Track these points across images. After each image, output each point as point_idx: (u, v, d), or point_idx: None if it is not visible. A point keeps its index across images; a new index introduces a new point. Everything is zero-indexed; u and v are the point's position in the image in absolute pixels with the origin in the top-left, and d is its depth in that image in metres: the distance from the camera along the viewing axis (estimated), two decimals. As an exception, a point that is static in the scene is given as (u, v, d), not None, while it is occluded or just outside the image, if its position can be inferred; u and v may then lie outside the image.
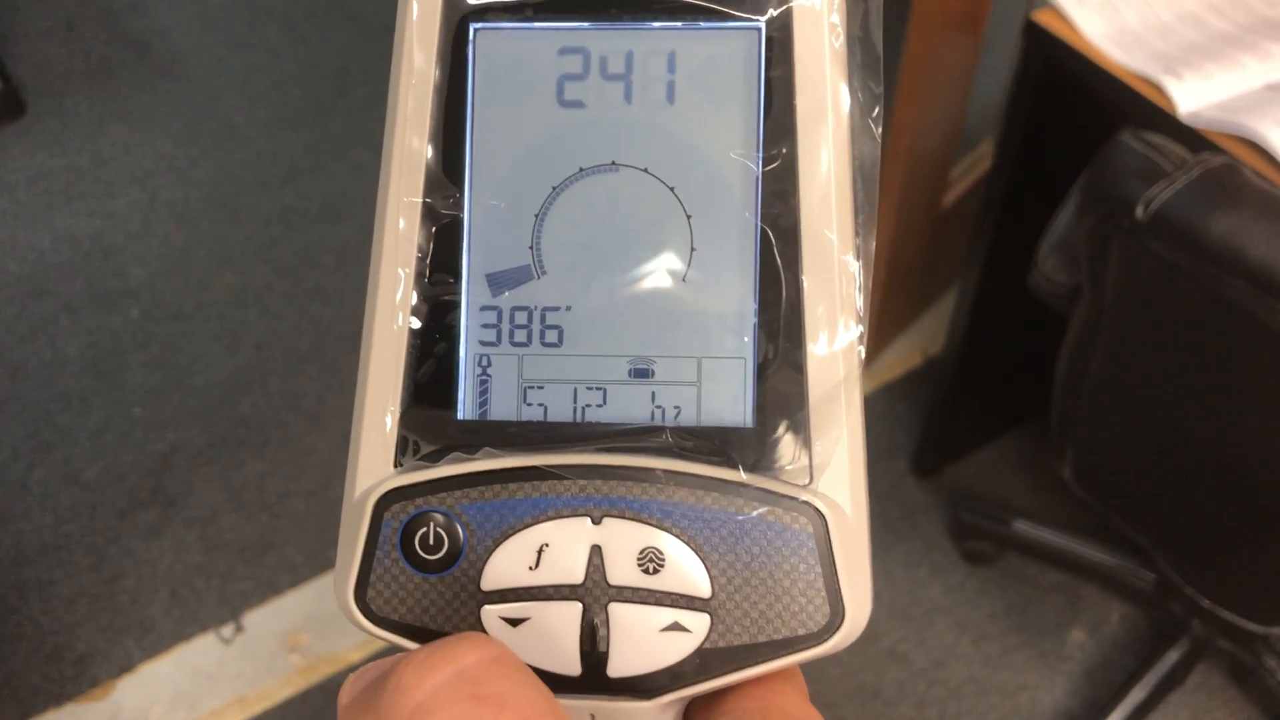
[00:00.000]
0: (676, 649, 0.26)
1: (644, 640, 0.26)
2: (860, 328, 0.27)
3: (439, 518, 0.26)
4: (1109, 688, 1.33)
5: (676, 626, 0.26)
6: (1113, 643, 1.38)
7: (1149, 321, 0.95)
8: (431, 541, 0.26)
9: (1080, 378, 1.04)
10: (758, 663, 0.26)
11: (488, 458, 0.27)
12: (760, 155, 0.28)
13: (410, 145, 0.28)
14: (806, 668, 0.27)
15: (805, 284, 0.27)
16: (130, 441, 1.58)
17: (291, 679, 1.36)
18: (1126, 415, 1.07)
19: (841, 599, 0.26)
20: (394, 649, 0.26)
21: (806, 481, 0.26)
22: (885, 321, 1.62)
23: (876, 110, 0.28)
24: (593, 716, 0.27)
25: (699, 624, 0.26)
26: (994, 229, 1.24)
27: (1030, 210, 1.11)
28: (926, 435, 1.53)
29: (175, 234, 1.85)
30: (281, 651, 1.39)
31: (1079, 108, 1.08)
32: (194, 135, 2.00)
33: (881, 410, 1.61)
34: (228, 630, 1.40)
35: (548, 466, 0.26)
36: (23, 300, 1.76)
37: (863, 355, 0.27)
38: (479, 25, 0.28)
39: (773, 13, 0.28)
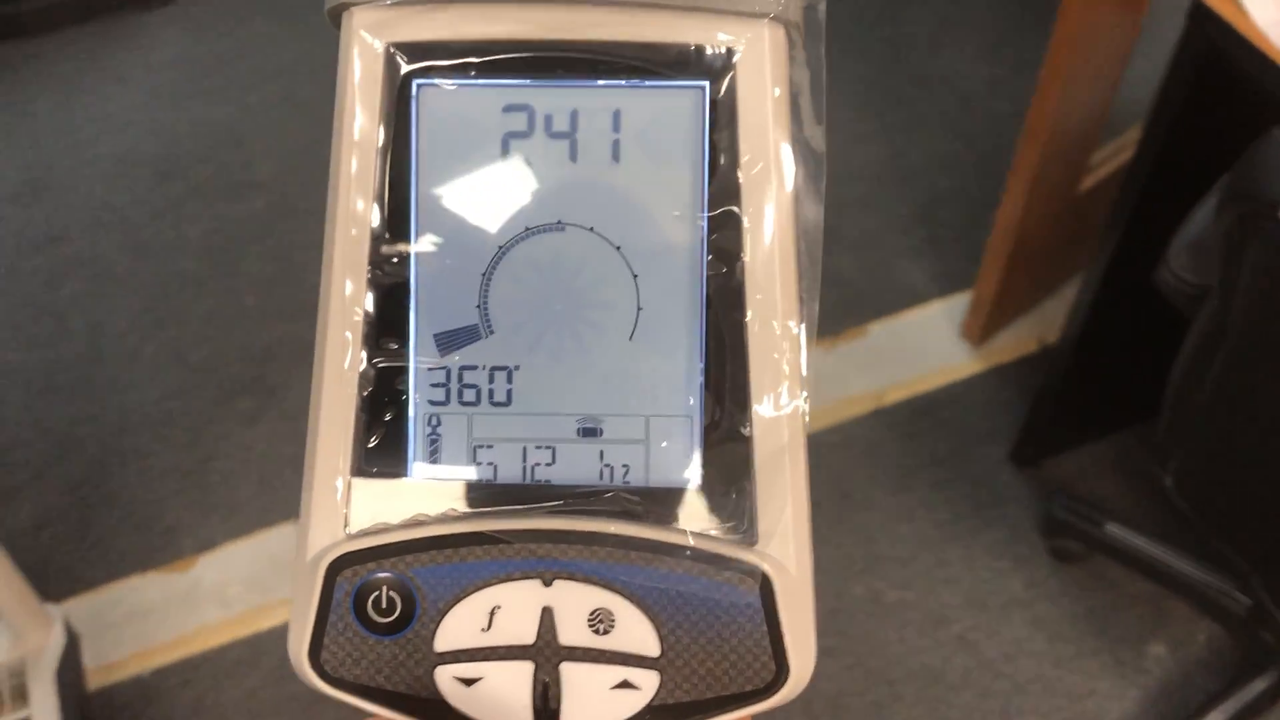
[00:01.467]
0: (626, 706, 0.27)
1: (595, 698, 0.27)
2: (804, 391, 0.28)
3: (391, 581, 0.27)
4: (1184, 708, 1.28)
5: (626, 684, 0.27)
6: (1195, 662, 1.33)
7: (1278, 333, 0.89)
8: (384, 604, 0.27)
9: (1196, 385, 0.99)
10: (704, 718, 0.27)
11: (439, 523, 0.27)
12: (705, 216, 0.28)
13: (354, 206, 0.28)
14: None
15: (750, 346, 0.27)
16: (239, 328, 1.62)
17: (363, 579, 1.38)
18: (1240, 430, 1.01)
19: (786, 656, 0.27)
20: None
21: (753, 542, 0.27)
22: (1005, 302, 1.56)
23: (821, 173, 0.28)
24: None
25: (648, 682, 0.27)
26: (1128, 219, 1.19)
27: (1168, 202, 1.06)
28: (1030, 424, 1.47)
29: (304, 131, 1.87)
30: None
31: (1236, 99, 1.02)
32: (334, 35, 2.01)
33: (988, 393, 1.56)
34: (309, 523, 1.43)
35: (498, 532, 0.27)
36: (154, 180, 1.80)
37: (807, 417, 0.28)
38: (422, 83, 0.28)
39: (717, 74, 0.28)
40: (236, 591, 1.38)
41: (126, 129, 1.88)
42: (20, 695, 1.22)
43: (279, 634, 1.33)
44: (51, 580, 1.37)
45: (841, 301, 1.65)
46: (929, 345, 1.61)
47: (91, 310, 1.64)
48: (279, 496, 1.45)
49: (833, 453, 1.49)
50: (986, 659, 1.33)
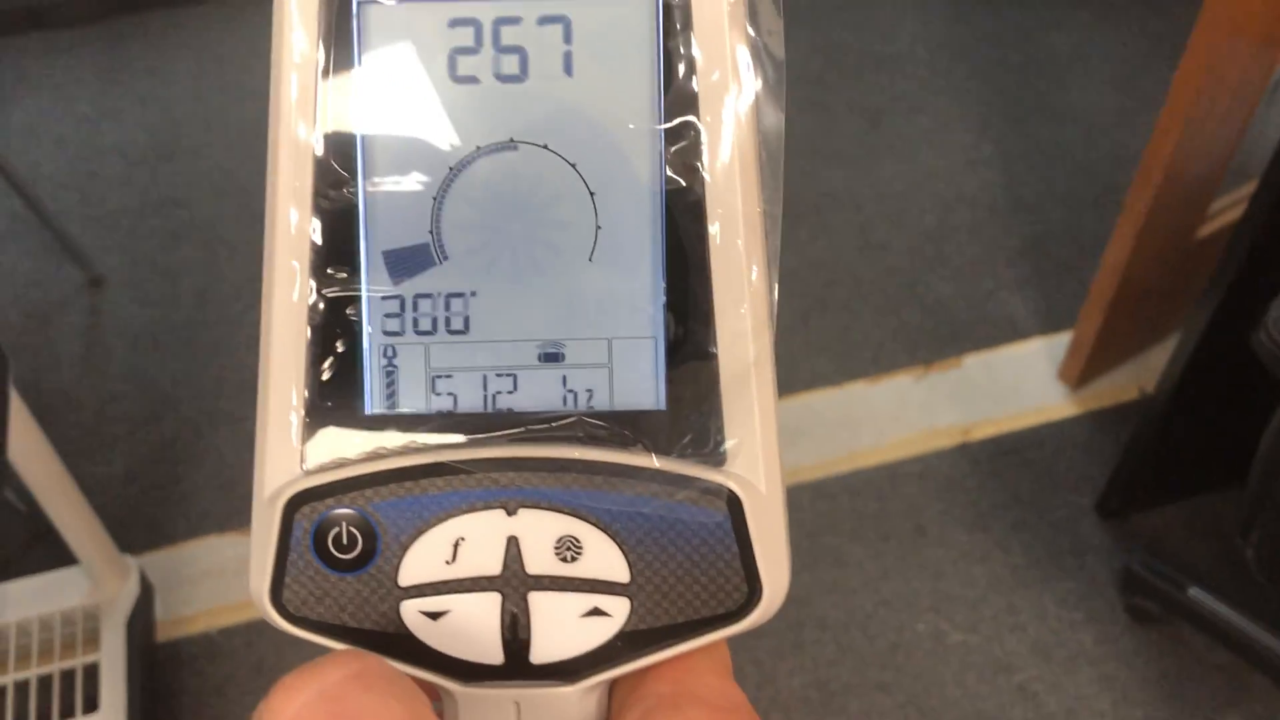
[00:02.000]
0: (597, 633, 0.26)
1: (565, 626, 0.26)
2: (771, 306, 0.27)
3: (351, 516, 0.26)
4: (1253, 788, 1.22)
5: (596, 611, 0.26)
6: (1270, 742, 1.27)
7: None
8: (345, 541, 0.26)
9: (1285, 456, 0.94)
10: (678, 642, 0.26)
11: (398, 455, 0.26)
12: (662, 128, 0.27)
13: (296, 131, 0.26)
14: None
15: (713, 261, 0.26)
16: (338, 304, 1.65)
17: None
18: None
19: (759, 576, 0.26)
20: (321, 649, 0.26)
21: (720, 462, 0.26)
22: (1107, 346, 1.51)
23: (781, 78, 0.27)
24: (518, 704, 0.27)
25: (619, 608, 0.26)
26: (1235, 273, 1.13)
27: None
28: (1119, 475, 1.42)
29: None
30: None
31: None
32: None
33: (1080, 438, 1.51)
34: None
35: (460, 462, 0.26)
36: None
37: (773, 333, 0.27)
38: (363, 0, 0.27)
39: None
40: (307, 561, 1.41)
41: (254, 100, 1.93)
42: (93, 640, 1.28)
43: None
44: (136, 531, 1.43)
45: (937, 330, 1.62)
46: (1024, 383, 1.57)
47: (202, 274, 1.70)
48: (357, 472, 1.48)
49: (911, 484, 1.46)
50: (1047, 712, 1.29)
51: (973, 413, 1.53)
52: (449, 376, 0.27)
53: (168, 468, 1.49)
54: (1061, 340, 1.58)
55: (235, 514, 1.45)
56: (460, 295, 0.27)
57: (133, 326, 1.65)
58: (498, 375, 0.27)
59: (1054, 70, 1.98)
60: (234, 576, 1.40)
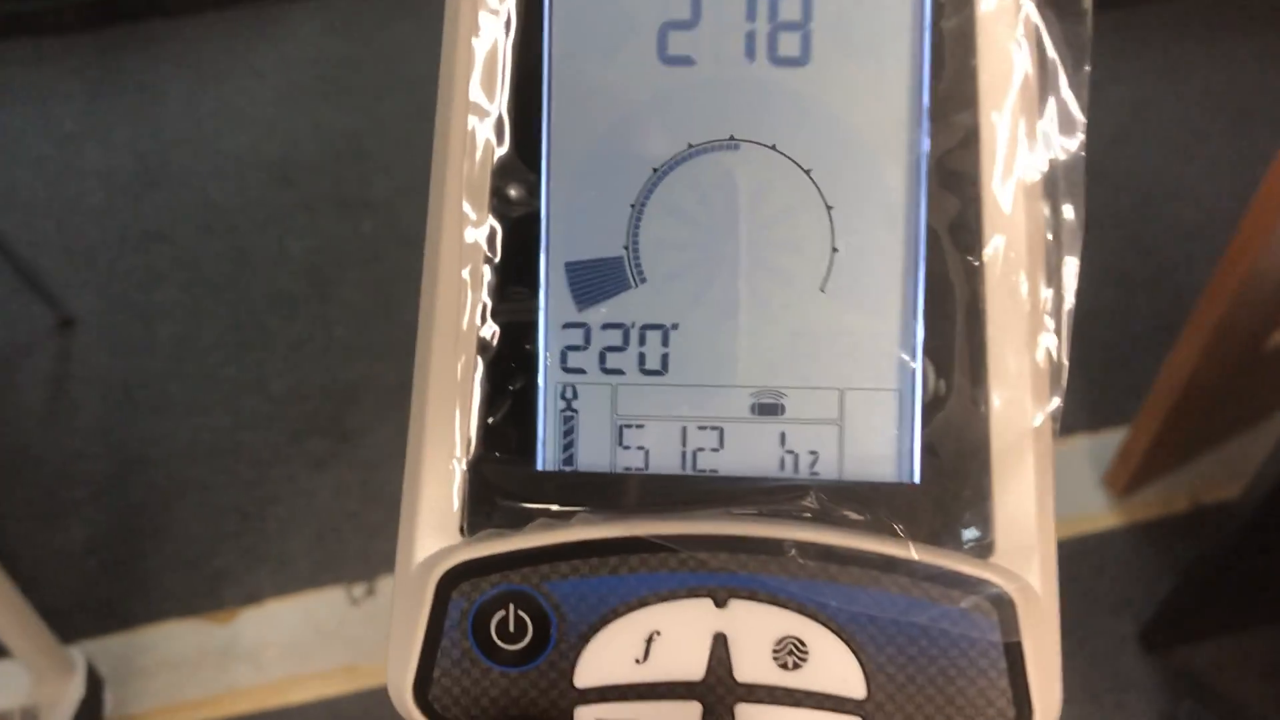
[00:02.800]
0: None
1: None
2: (1061, 359, 0.22)
3: (521, 598, 0.22)
4: None
5: None
6: None
7: None
8: (512, 628, 0.22)
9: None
10: None
11: (582, 524, 0.22)
12: (927, 131, 0.22)
13: (471, 120, 0.22)
14: None
15: (988, 299, 0.22)
16: (324, 362, 1.53)
17: (406, 663, 1.29)
18: None
19: (1030, 698, 0.22)
20: None
21: (988, 555, 0.22)
22: (1158, 450, 1.38)
23: (1084, 84, 0.22)
24: None
25: None
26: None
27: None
28: (1170, 600, 1.29)
29: (430, 150, 1.78)
30: (404, 630, 1.32)
31: None
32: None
33: (1124, 554, 1.38)
34: (359, 590, 1.34)
35: (658, 538, 0.22)
36: (267, 186, 1.73)
37: (1061, 402, 0.22)
38: None
39: None
40: (273, 655, 1.30)
41: (250, 127, 1.82)
42: (31, 743, 1.16)
43: (311, 711, 1.25)
44: (89, 611, 1.32)
45: (972, 421, 1.49)
46: (1065, 486, 1.43)
47: (182, 320, 1.58)
48: (332, 556, 1.36)
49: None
50: None
51: (1008, 518, 1.40)
52: (640, 427, 0.23)
53: (130, 541, 1.38)
54: (1106, 440, 1.45)
55: (199, 596, 1.34)
56: (659, 327, 0.23)
57: (104, 376, 1.53)
58: (700, 428, 0.23)
59: (1111, 129, 1.84)
60: (192, 669, 1.28)
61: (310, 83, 1.88)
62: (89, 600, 1.33)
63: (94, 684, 1.22)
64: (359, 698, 1.26)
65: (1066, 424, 1.47)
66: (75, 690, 1.19)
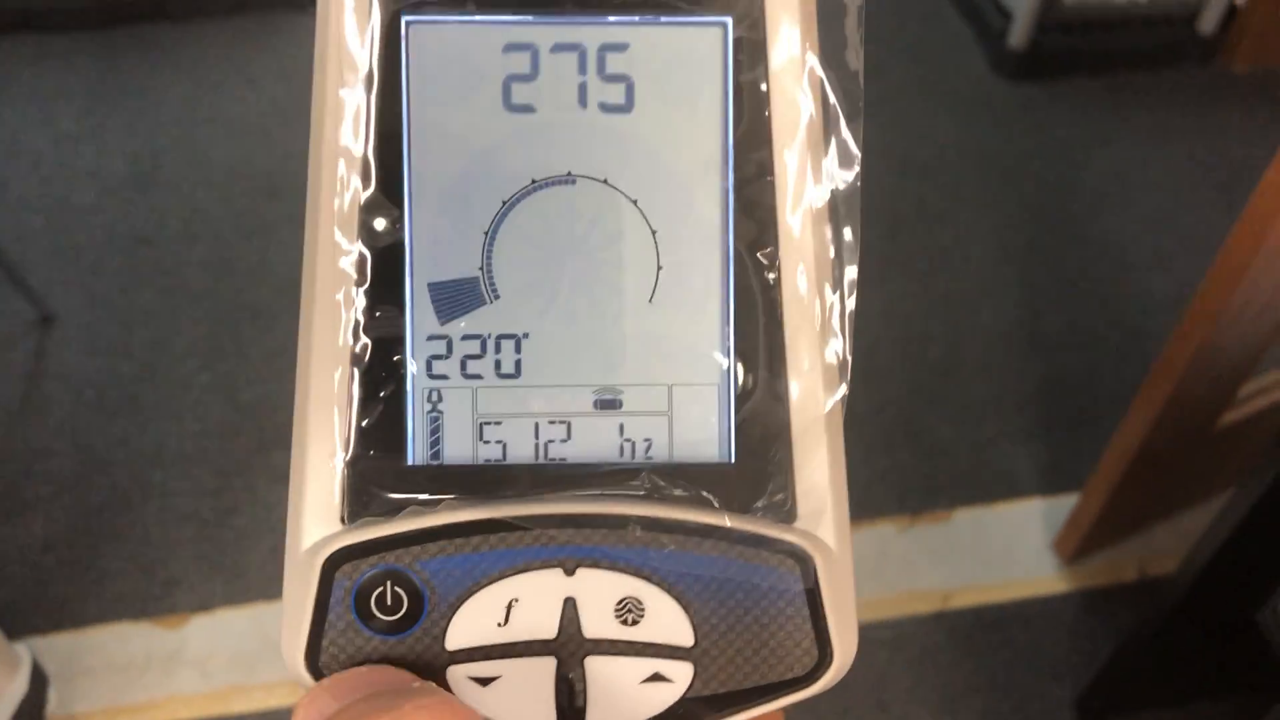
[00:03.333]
0: (658, 700, 0.25)
1: (624, 692, 0.25)
2: (844, 355, 0.26)
3: (396, 576, 0.24)
4: None
5: (658, 677, 0.25)
6: None
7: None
8: (389, 601, 0.24)
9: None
10: (741, 709, 0.25)
11: (449, 510, 0.25)
12: (731, 166, 0.25)
13: (339, 161, 0.25)
14: None
15: (784, 306, 0.25)
16: (295, 375, 1.55)
17: (349, 681, 1.30)
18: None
19: (830, 640, 0.25)
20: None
21: (791, 520, 0.25)
22: (1107, 518, 1.39)
23: (859, 115, 0.26)
24: None
25: (681, 673, 0.25)
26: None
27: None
28: (1107, 670, 1.30)
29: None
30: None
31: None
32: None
33: (1068, 620, 1.39)
34: (310, 605, 1.35)
35: (516, 518, 0.24)
36: (256, 196, 1.76)
37: (846, 388, 0.26)
38: (412, 19, 0.25)
39: (742, 8, 0.25)
40: (219, 664, 1.31)
41: (243, 137, 1.84)
42: (-30, 737, 1.18)
43: (249, 722, 1.26)
44: (42, 608, 1.33)
45: (931, 476, 1.50)
46: (1015, 548, 1.45)
47: (159, 325, 1.60)
48: (287, 569, 1.38)
49: (881, 651, 1.35)
50: None
51: (956, 576, 1.42)
52: (498, 424, 0.26)
53: (88, 541, 1.39)
54: (1062, 504, 1.46)
55: (152, 600, 1.35)
56: (511, 337, 0.26)
57: (77, 375, 1.55)
58: (550, 422, 0.26)
59: (1092, 194, 1.85)
60: (139, 672, 1.30)
61: (306, 96, 1.90)
62: (42, 597, 1.35)
63: (39, 681, 1.24)
64: (300, 712, 1.27)
65: (1021, 486, 1.48)
66: (19, 686, 1.20)
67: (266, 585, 1.37)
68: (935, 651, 1.35)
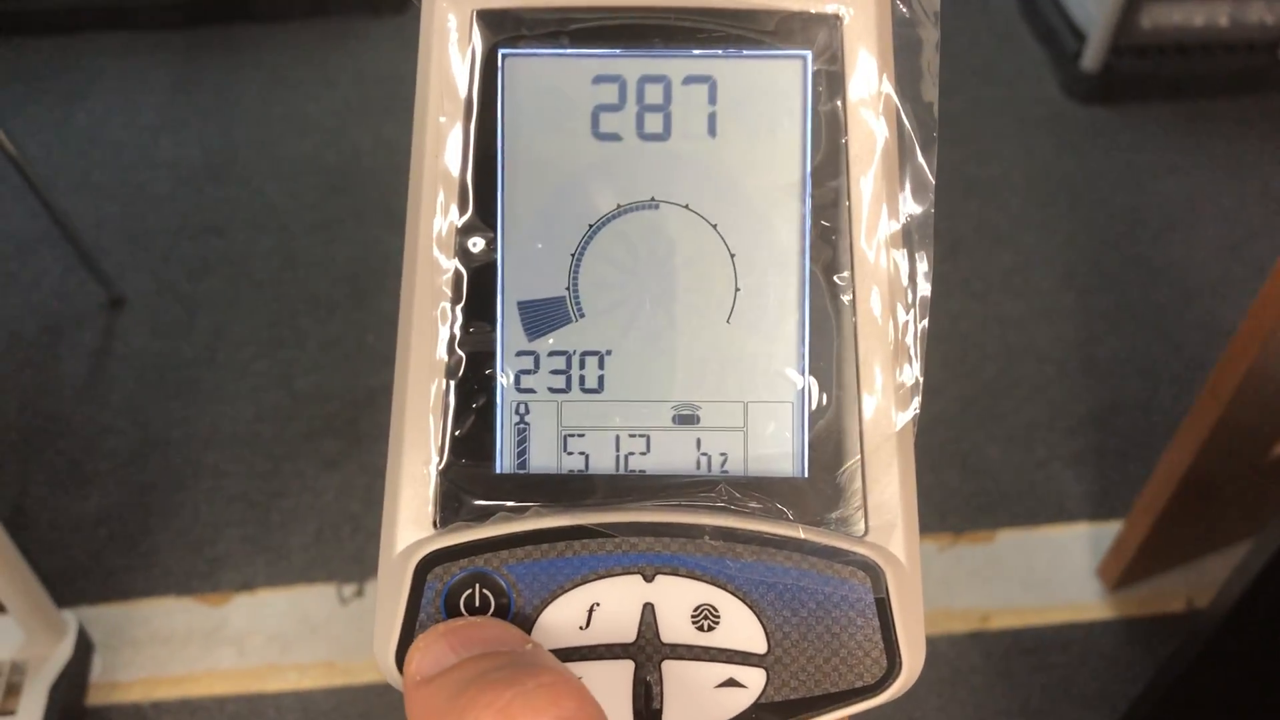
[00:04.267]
0: (732, 704, 0.26)
1: (699, 697, 0.26)
2: (917, 375, 0.26)
3: (484, 579, 0.26)
4: None
5: (732, 682, 0.26)
6: None
7: None
8: (477, 603, 0.26)
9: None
10: (812, 715, 0.26)
11: (534, 516, 0.26)
12: (808, 193, 0.27)
13: (439, 187, 0.27)
14: None
15: (859, 329, 0.26)
16: (350, 365, 1.59)
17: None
18: None
19: (899, 650, 0.26)
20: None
21: (863, 533, 0.26)
22: (1155, 550, 1.36)
23: (933, 145, 0.27)
24: None
25: (755, 679, 0.26)
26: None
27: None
28: (1143, 700, 1.27)
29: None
30: (385, 634, 1.35)
31: None
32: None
33: (1110, 648, 1.36)
34: (349, 590, 1.38)
35: (597, 525, 0.26)
36: (322, 192, 1.80)
37: (918, 406, 0.27)
38: (508, 53, 0.27)
39: (820, 43, 0.27)
40: (257, 643, 1.34)
41: (315, 134, 1.89)
42: (14, 693, 1.22)
43: (283, 701, 1.29)
44: (92, 578, 1.38)
45: (976, 496, 1.48)
46: (1058, 573, 1.42)
47: (222, 311, 1.65)
48: (329, 553, 1.41)
49: (912, 668, 1.33)
50: None
51: (996, 597, 1.40)
52: (581, 436, 0.27)
53: (140, 516, 1.44)
54: (1110, 530, 1.43)
55: (197, 577, 1.39)
56: (595, 354, 0.27)
57: (142, 356, 1.60)
58: (631, 436, 0.27)
59: (1160, 221, 1.82)
60: (180, 645, 1.33)
61: (378, 97, 1.95)
62: (94, 568, 1.39)
63: (84, 648, 1.28)
64: (332, 693, 1.30)
65: (1069, 511, 1.46)
66: (64, 651, 1.24)
67: (307, 568, 1.39)
68: (969, 673, 1.33)
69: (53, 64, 2.02)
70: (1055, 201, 1.84)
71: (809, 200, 0.27)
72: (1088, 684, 1.33)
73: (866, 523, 0.26)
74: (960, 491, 1.49)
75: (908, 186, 0.27)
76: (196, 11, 2.05)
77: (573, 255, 0.27)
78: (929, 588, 1.40)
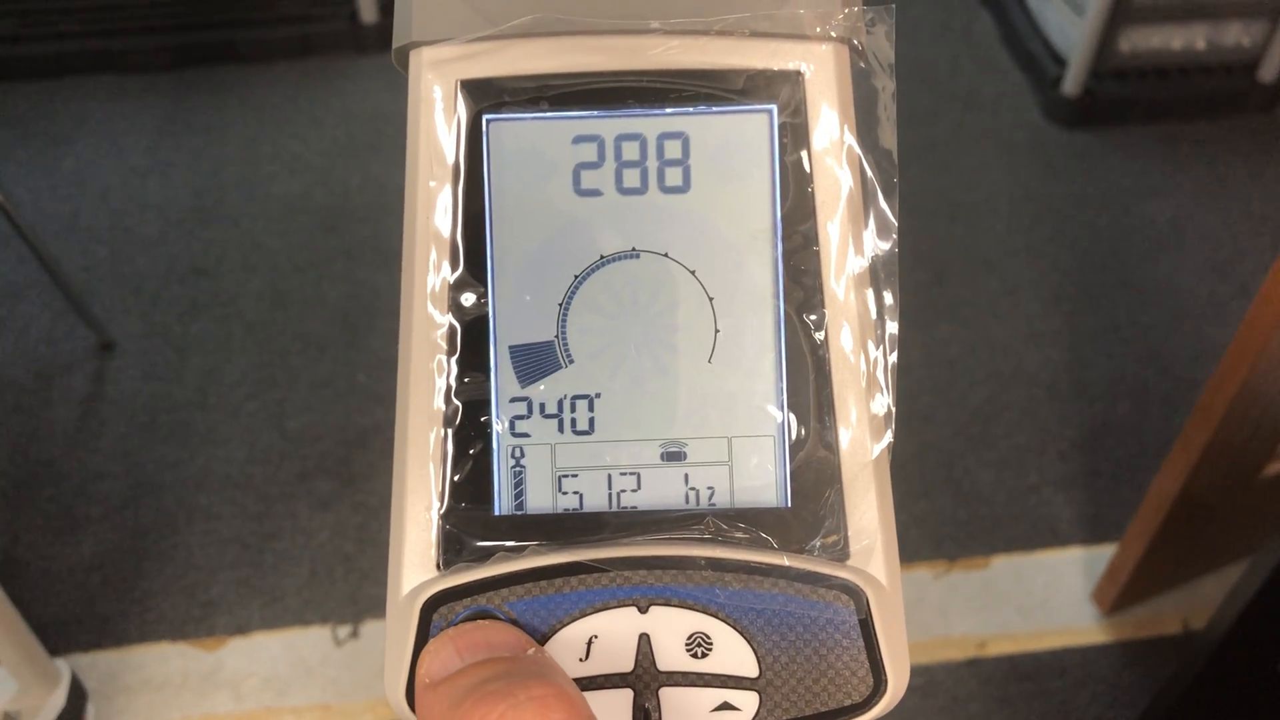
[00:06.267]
0: None
1: None
2: (889, 404, 0.28)
3: (487, 617, 0.26)
4: None
5: (726, 706, 0.27)
6: None
7: None
8: None
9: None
10: None
11: (533, 555, 0.27)
12: (780, 237, 0.28)
13: (431, 245, 0.28)
14: None
15: (832, 364, 0.28)
16: (342, 405, 1.59)
17: (378, 707, 1.32)
18: None
19: (884, 669, 0.27)
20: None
21: (845, 558, 0.27)
22: (1150, 573, 1.36)
23: (894, 188, 0.28)
24: None
25: (748, 702, 0.27)
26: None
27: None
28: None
29: (471, 210, 1.84)
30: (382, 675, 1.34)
31: None
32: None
33: (1107, 672, 1.36)
34: (344, 631, 1.37)
35: (592, 561, 0.27)
36: (312, 231, 1.80)
37: (891, 437, 0.28)
38: (492, 118, 0.28)
39: (785, 97, 0.28)
40: (253, 686, 1.33)
41: (304, 174, 1.89)
42: (9, 746, 1.21)
43: (278, 744, 1.28)
44: (86, 626, 1.37)
45: (970, 522, 1.48)
46: (1054, 598, 1.42)
47: (213, 353, 1.65)
48: (323, 595, 1.40)
49: (910, 697, 1.33)
50: None
51: (992, 623, 1.40)
52: (575, 476, 0.28)
53: (134, 561, 1.43)
54: (1104, 554, 1.43)
55: (190, 622, 1.38)
56: (585, 397, 0.28)
57: (133, 400, 1.59)
58: (622, 474, 0.28)
59: (1145, 243, 1.83)
60: (175, 691, 1.32)
61: (366, 135, 1.96)
62: (87, 615, 1.38)
63: (77, 696, 1.27)
64: (329, 737, 1.29)
65: (1063, 535, 1.46)
66: (57, 701, 1.23)
67: (302, 610, 1.39)
68: (966, 700, 1.33)
69: (39, 108, 2.03)
70: (1040, 225, 1.86)
71: (781, 245, 0.28)
72: (1086, 709, 1.33)
73: (848, 548, 0.27)
74: (954, 518, 1.49)
75: (872, 228, 0.28)
76: (183, 54, 2.06)
77: (560, 305, 0.28)
78: (925, 615, 1.40)
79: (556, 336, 0.28)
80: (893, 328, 0.28)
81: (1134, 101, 1.99)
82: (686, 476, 0.28)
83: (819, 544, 0.27)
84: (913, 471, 1.53)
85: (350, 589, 1.41)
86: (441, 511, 0.28)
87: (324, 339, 1.66)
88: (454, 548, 0.27)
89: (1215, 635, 1.14)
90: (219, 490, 1.50)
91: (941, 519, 1.49)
